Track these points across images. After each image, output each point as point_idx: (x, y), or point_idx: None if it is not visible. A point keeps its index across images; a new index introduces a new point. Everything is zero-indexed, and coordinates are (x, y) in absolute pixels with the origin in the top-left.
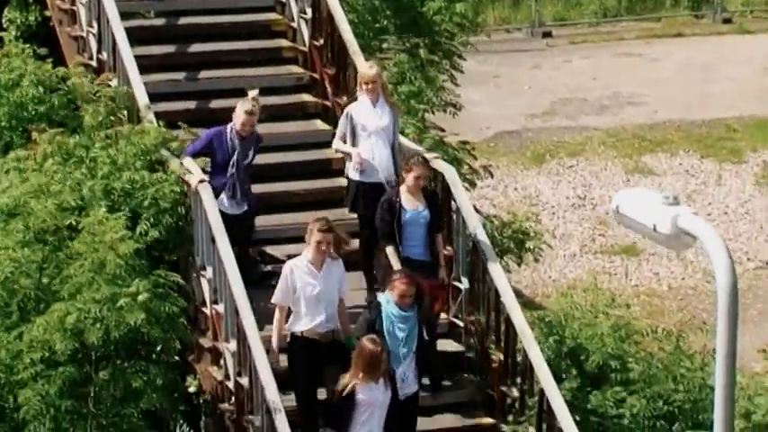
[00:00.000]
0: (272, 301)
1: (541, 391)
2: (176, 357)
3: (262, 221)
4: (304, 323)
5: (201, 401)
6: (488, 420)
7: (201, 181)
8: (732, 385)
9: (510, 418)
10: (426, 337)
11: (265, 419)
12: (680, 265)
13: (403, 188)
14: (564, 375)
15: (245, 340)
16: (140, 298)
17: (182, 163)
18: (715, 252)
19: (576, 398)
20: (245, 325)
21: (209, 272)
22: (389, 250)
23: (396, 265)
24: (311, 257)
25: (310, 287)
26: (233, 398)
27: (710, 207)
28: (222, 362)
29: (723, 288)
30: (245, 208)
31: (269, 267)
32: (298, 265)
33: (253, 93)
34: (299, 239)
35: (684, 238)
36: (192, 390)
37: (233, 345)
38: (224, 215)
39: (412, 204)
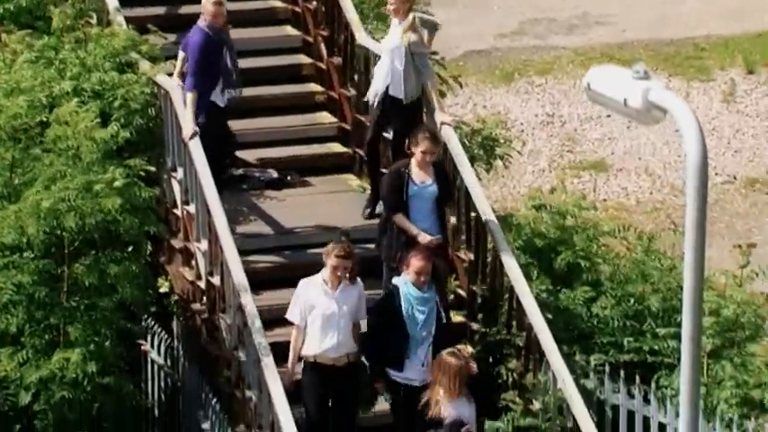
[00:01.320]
0: (289, 318)
1: (511, 290)
2: (148, 258)
3: (232, 126)
4: (315, 346)
5: (173, 302)
6: (458, 319)
7: (194, 134)
8: (701, 270)
9: (480, 316)
10: (444, 320)
11: (237, 316)
12: (648, 179)
13: (413, 161)
14: (533, 275)
15: (217, 239)
16: (116, 184)
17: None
18: (685, 124)
19: (546, 297)
20: (216, 224)
21: (179, 173)
22: (399, 218)
23: (412, 230)
24: (327, 277)
25: (323, 306)
26: (204, 297)
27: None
28: (193, 262)
29: (693, 160)
30: (232, 96)
31: (240, 171)
32: (313, 283)
33: None
34: (269, 144)
35: (655, 112)
36: (163, 290)
37: (204, 244)
38: (218, 108)
39: (420, 177)
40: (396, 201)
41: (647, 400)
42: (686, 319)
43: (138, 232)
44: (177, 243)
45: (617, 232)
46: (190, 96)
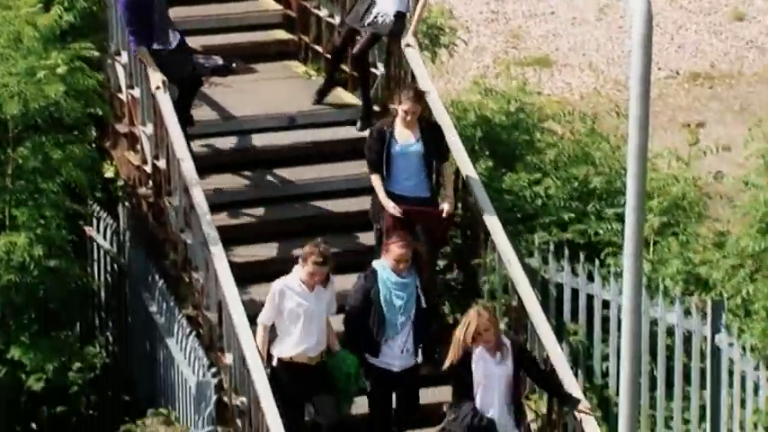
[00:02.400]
0: (258, 320)
1: (457, 171)
2: (93, 143)
3: (176, 12)
4: (293, 346)
5: (118, 187)
6: None
7: (162, 84)
8: (645, 130)
9: None
10: (424, 305)
11: (183, 199)
12: (591, 75)
13: (397, 120)
14: (478, 158)
15: (162, 123)
16: (59, 70)
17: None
18: None
19: (491, 178)
20: (161, 107)
21: (123, 57)
22: (374, 179)
23: (381, 196)
24: (303, 278)
25: (302, 308)
26: (150, 181)
27: (622, 20)
28: (139, 146)
29: (639, 16)
30: (179, 38)
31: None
32: (289, 286)
33: None
34: (213, 31)
35: None
36: (108, 175)
37: (150, 128)
38: (160, 53)
39: (403, 136)
40: (375, 160)
41: (590, 278)
42: (630, 193)
43: (81, 115)
44: (122, 128)
45: (561, 116)
46: (141, 53)
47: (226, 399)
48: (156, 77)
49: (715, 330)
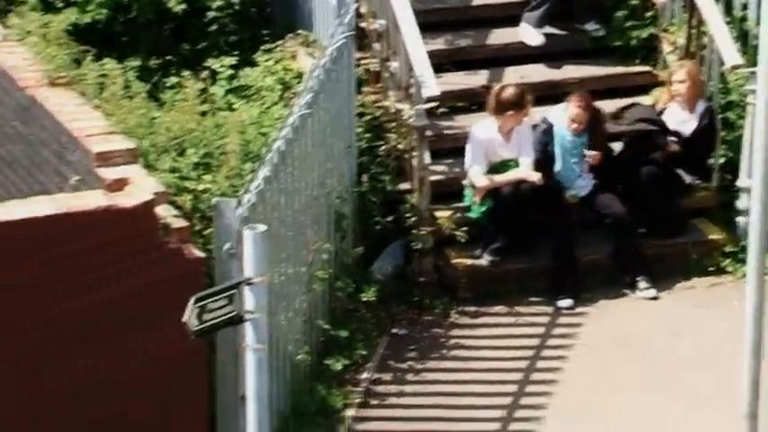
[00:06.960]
0: (472, 171)
1: None
2: None
3: None
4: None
5: None
6: None
7: None
8: None
9: None
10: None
11: None
12: None
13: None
14: None
15: None
16: None
17: None
18: None
19: None
20: None
21: None
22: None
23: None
24: (500, 126)
25: (497, 157)
26: None
27: None
28: None
29: None
30: None
31: None
32: (486, 132)
33: None
34: None
35: None
36: None
37: None
38: None
39: None
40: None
41: None
42: None
43: None
44: None
45: None
46: None
47: (364, 24)
48: None
49: None
